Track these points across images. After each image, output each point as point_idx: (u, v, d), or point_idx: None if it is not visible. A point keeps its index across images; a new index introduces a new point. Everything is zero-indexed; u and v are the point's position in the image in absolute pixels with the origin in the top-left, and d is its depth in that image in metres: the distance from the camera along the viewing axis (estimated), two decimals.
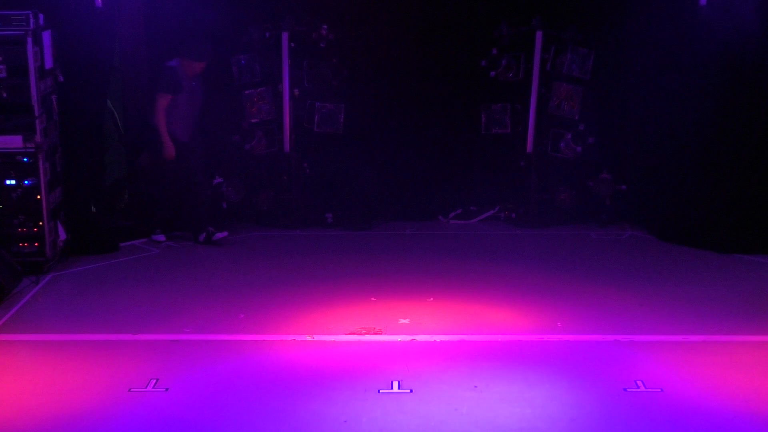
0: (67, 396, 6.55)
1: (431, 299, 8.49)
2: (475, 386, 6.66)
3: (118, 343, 7.52)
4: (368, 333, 7.68)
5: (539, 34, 10.60)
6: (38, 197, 9.08)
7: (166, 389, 6.62)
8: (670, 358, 7.15)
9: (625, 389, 6.58)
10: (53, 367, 7.05)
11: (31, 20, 8.75)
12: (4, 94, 8.88)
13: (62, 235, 9.46)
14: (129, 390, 6.61)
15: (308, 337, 7.60)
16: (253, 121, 10.80)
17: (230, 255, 9.93)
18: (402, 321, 7.94)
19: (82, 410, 6.33)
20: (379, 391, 6.57)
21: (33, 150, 8.97)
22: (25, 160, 9.00)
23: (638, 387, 6.61)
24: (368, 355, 7.28)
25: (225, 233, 10.21)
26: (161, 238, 10.27)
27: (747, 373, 6.84)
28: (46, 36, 9.03)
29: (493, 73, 10.86)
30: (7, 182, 9.05)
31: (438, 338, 7.60)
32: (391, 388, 6.61)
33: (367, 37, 10.84)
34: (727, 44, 9.71)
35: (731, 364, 7.03)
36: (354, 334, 7.67)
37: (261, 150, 10.87)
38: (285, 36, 10.55)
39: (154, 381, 6.73)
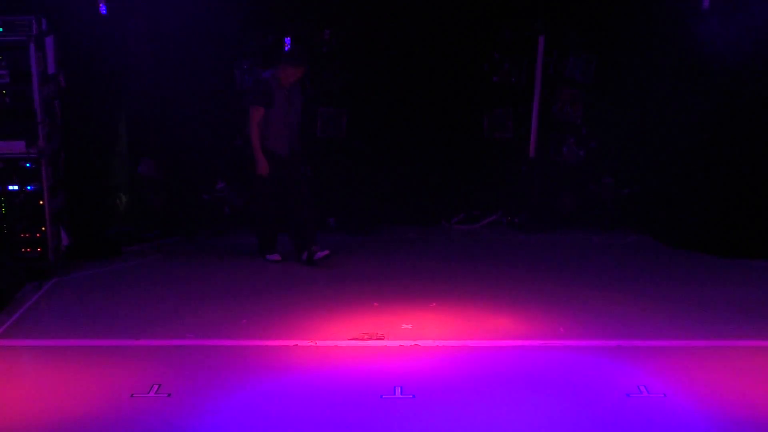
0: (69, 401, 6.54)
1: (434, 304, 8.49)
2: (478, 391, 6.65)
3: (120, 349, 7.52)
4: (371, 338, 7.68)
5: (541, 39, 10.61)
6: (41, 202, 9.08)
7: (169, 394, 6.62)
8: (673, 363, 7.14)
9: (627, 394, 6.57)
10: (55, 373, 7.05)
11: (34, 25, 8.76)
12: (7, 99, 8.89)
13: (65, 240, 9.47)
14: (131, 395, 6.60)
15: (311, 343, 7.60)
16: None
17: (232, 260, 9.92)
18: (405, 326, 7.93)
19: (85, 415, 6.33)
20: (381, 397, 6.56)
21: (36, 155, 8.98)
22: (28, 165, 9.01)
23: (641, 392, 6.60)
24: (371, 361, 7.26)
25: (326, 252, 9.63)
26: (276, 257, 9.82)
27: (750, 378, 6.83)
28: (49, 41, 9.04)
29: (495, 78, 10.88)
30: (10, 187, 9.05)
31: (441, 343, 7.59)
32: (394, 394, 6.60)
33: (370, 41, 10.85)
34: (730, 48, 9.70)
35: (734, 369, 7.01)
36: (357, 339, 7.66)
37: None
38: (287, 41, 10.55)
39: (157, 386, 6.72)
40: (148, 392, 6.64)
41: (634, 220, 10.95)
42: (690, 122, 10.18)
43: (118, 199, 10.87)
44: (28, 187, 9.06)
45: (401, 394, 6.60)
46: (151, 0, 10.01)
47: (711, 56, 9.84)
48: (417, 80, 10.94)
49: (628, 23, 10.48)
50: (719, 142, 9.97)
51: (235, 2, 10.46)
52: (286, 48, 9.94)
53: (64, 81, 9.38)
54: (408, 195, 11.26)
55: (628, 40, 10.54)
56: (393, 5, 10.75)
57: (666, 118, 10.45)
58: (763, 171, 9.85)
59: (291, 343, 7.63)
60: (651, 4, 10.29)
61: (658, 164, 10.61)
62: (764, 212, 9.88)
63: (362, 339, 7.66)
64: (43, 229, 9.12)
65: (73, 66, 9.46)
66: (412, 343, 7.56)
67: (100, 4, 9.49)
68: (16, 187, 9.05)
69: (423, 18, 10.77)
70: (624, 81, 10.70)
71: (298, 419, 6.30)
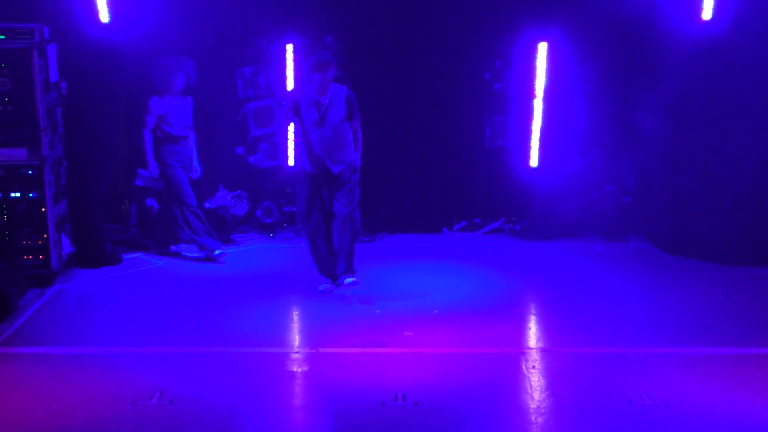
0: (71, 409, 6.54)
1: (436, 311, 8.48)
2: (480, 399, 6.65)
3: (122, 356, 7.53)
4: (373, 345, 7.67)
5: (543, 47, 10.61)
6: (43, 210, 9.08)
7: (171, 402, 6.62)
8: (675, 370, 7.13)
9: (630, 402, 6.56)
10: (58, 380, 7.05)
11: (36, 33, 8.77)
12: (9, 107, 8.89)
13: (67, 248, 9.47)
14: (133, 403, 6.60)
15: (312, 350, 7.59)
16: (257, 133, 10.81)
17: (234, 267, 9.92)
18: (407, 333, 7.93)
19: (87, 423, 6.33)
20: (383, 404, 6.56)
21: (38, 163, 8.98)
22: (30, 172, 9.01)
23: (643, 399, 6.59)
24: (373, 368, 7.26)
25: (356, 280, 8.92)
26: (326, 286, 9.01)
27: (752, 386, 6.82)
28: (51, 49, 9.05)
29: (497, 86, 10.89)
30: (12, 195, 9.05)
31: (443, 351, 7.59)
32: (396, 401, 6.60)
33: (371, 48, 10.87)
34: (732, 57, 9.72)
35: (736, 376, 7.00)
36: (358, 346, 7.66)
37: (265, 162, 10.89)
38: (289, 48, 10.57)
39: (159, 394, 6.73)
40: (150, 399, 6.65)
41: (636, 228, 10.94)
42: (691, 130, 10.17)
43: (123, 205, 10.89)
44: (30, 195, 9.06)
45: (403, 401, 6.60)
46: (151, 8, 10.01)
47: (713, 64, 9.85)
48: (419, 88, 10.96)
49: (631, 32, 10.47)
50: (721, 150, 9.95)
51: (237, 10, 10.48)
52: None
53: (66, 89, 9.39)
54: (409, 202, 11.27)
55: (630, 48, 10.55)
56: (395, 13, 10.77)
57: (668, 127, 10.44)
58: (764, 179, 9.83)
59: (293, 350, 7.64)
60: (653, 12, 10.29)
61: (659, 172, 10.59)
62: (765, 220, 9.87)
63: (364, 346, 7.66)
64: (45, 236, 9.11)
65: (75, 74, 9.47)
66: (414, 350, 7.56)
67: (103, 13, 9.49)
68: (18, 195, 9.05)
69: (425, 26, 10.79)
70: (625, 89, 10.70)
71: (300, 426, 6.31)
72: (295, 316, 8.58)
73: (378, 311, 8.46)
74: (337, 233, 8.81)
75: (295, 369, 7.25)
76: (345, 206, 8.77)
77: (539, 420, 6.35)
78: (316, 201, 8.83)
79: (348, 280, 8.88)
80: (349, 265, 8.92)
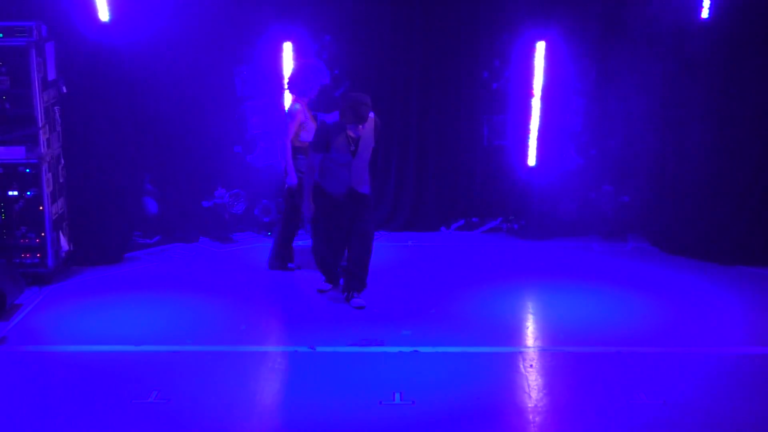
0: (68, 407, 6.54)
1: (433, 310, 8.49)
2: (478, 397, 6.65)
3: (120, 355, 7.52)
4: (370, 344, 7.67)
5: (541, 46, 10.61)
6: (41, 208, 9.08)
7: (168, 400, 6.62)
8: (673, 369, 7.14)
9: (627, 401, 6.57)
10: (55, 379, 7.05)
11: (35, 31, 8.76)
12: (7, 105, 8.88)
13: (64, 246, 9.46)
14: (131, 401, 6.61)
15: (310, 348, 7.59)
16: (255, 132, 10.80)
17: (232, 266, 9.91)
18: (404, 332, 7.93)
19: (84, 423, 6.33)
20: (380, 403, 6.56)
21: (36, 161, 8.98)
22: (28, 171, 9.00)
23: (641, 399, 6.60)
24: (370, 367, 7.27)
25: (363, 304, 8.59)
26: (325, 287, 9.00)
27: (750, 385, 6.83)
28: (50, 47, 9.05)
29: (495, 85, 10.88)
30: (10, 193, 9.05)
31: (440, 350, 7.59)
32: (393, 400, 6.60)
33: (370, 47, 10.86)
34: (730, 56, 9.72)
35: (735, 376, 7.01)
36: (356, 345, 7.66)
37: (263, 161, 10.89)
38: (287, 47, 10.56)
39: (156, 392, 6.73)
40: (148, 398, 6.65)
41: (634, 227, 10.94)
42: (690, 130, 10.17)
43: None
44: (28, 193, 9.05)
45: (401, 400, 6.60)
46: (150, 6, 9.99)
47: (711, 64, 9.85)
48: (417, 87, 10.94)
49: (629, 30, 10.46)
50: (719, 150, 9.96)
51: (236, 8, 10.47)
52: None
53: (65, 87, 9.38)
54: (408, 201, 11.25)
55: (629, 47, 10.54)
56: (394, 11, 10.76)
57: (666, 126, 10.44)
58: (762, 178, 9.84)
59: (290, 348, 7.64)
60: (650, 12, 10.29)
61: (657, 172, 10.59)
62: (763, 220, 9.87)
63: (361, 345, 7.66)
64: (43, 234, 9.11)
65: (74, 72, 9.46)
66: (412, 348, 7.56)
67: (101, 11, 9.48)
68: (15, 193, 9.05)
69: (424, 24, 10.77)
70: (624, 88, 10.69)
71: (297, 425, 6.31)
72: (293, 314, 8.56)
73: (375, 310, 8.46)
74: (356, 249, 8.60)
75: (291, 367, 7.25)
76: (367, 222, 8.61)
77: (537, 419, 6.36)
78: (333, 215, 8.54)
79: (356, 302, 8.59)
80: (362, 282, 8.71)
